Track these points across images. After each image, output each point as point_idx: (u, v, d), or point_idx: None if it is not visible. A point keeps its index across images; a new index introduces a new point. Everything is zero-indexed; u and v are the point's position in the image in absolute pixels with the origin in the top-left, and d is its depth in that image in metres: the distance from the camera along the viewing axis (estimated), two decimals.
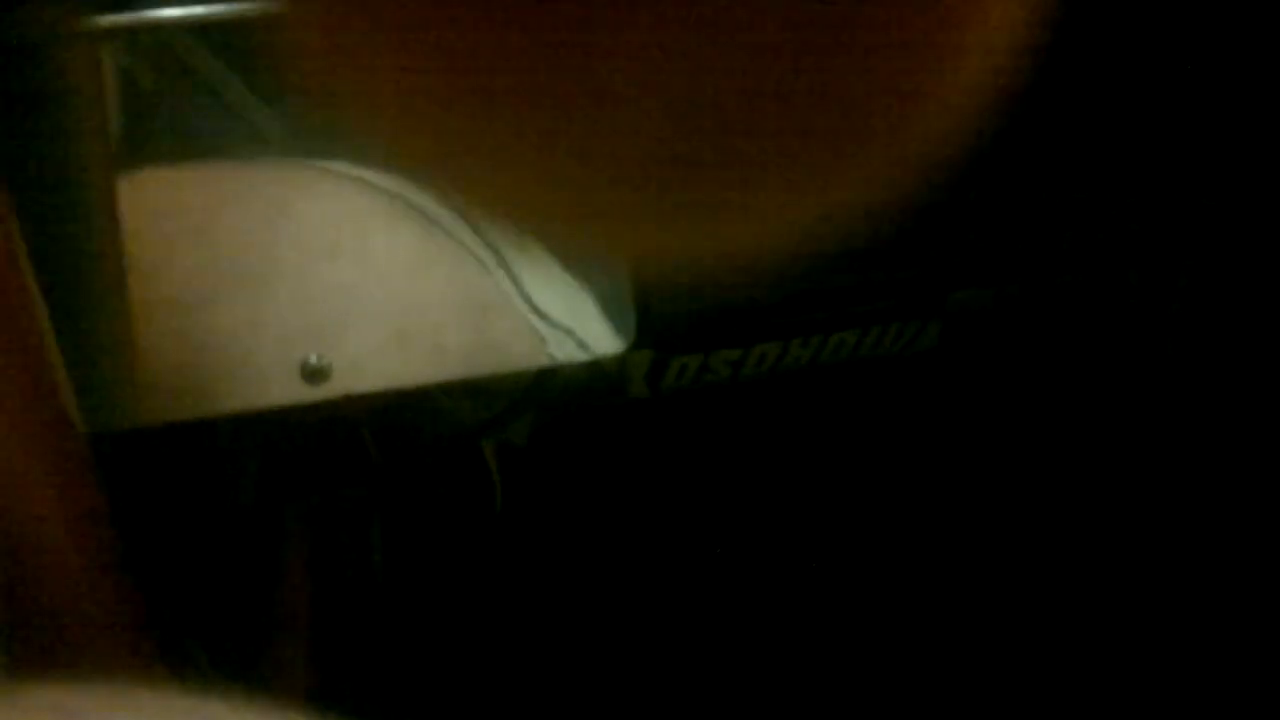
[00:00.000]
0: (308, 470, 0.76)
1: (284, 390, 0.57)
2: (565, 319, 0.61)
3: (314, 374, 0.57)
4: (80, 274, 0.57)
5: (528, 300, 0.61)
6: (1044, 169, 0.73)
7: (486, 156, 0.18)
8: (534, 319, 0.61)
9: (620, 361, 0.64)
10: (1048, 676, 0.96)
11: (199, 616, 0.70)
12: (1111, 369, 0.94)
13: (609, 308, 0.62)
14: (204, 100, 0.58)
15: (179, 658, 0.61)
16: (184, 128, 0.58)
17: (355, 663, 0.78)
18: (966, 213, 0.73)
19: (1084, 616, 0.97)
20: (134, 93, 0.57)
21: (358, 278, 0.59)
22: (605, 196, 0.18)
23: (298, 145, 0.59)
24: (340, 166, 0.59)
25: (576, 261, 0.61)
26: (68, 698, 0.36)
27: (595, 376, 0.68)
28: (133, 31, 0.54)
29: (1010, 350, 0.93)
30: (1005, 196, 0.73)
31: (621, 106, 0.17)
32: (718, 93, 0.17)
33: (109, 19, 0.54)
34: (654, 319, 0.62)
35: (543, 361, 0.61)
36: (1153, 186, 0.75)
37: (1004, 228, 0.74)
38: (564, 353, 0.61)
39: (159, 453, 0.67)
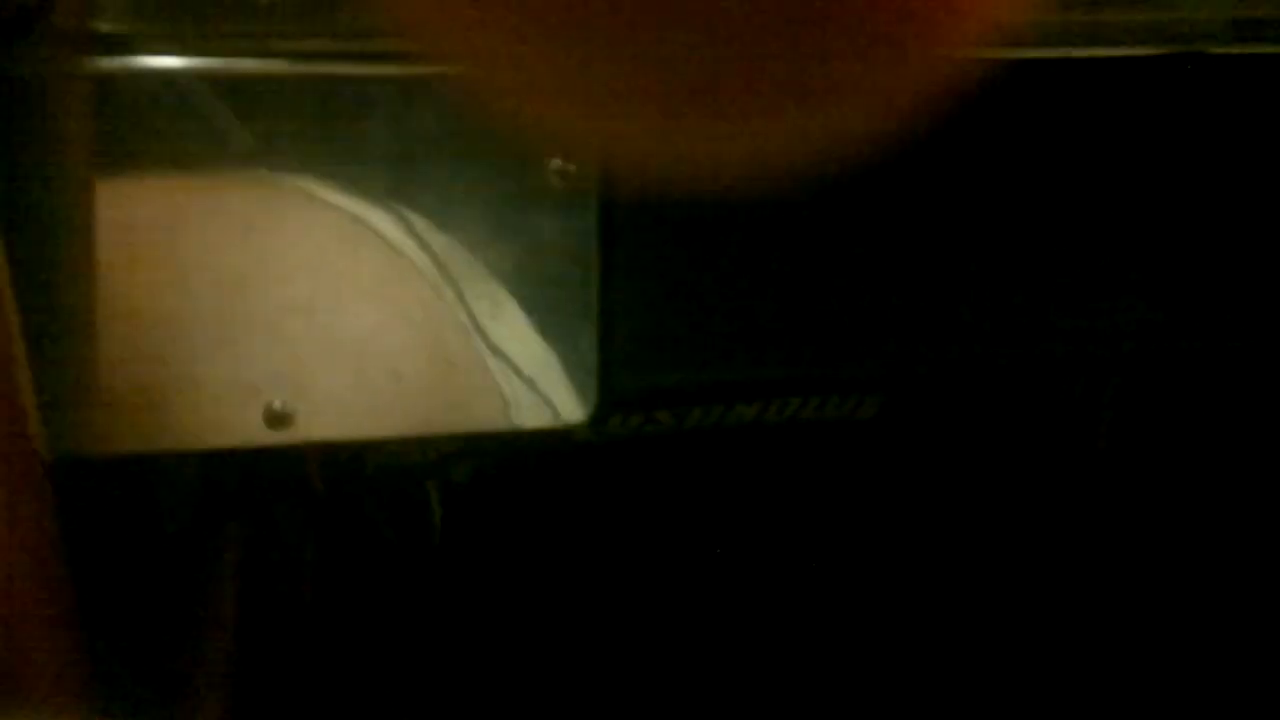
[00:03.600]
0: (247, 493, 0.76)
1: (246, 431, 0.57)
2: (525, 373, 0.62)
3: (277, 419, 0.57)
4: (53, 294, 0.57)
5: (493, 355, 0.62)
6: (982, 267, 0.75)
7: (503, 32, 0.18)
8: (497, 377, 0.62)
9: (575, 427, 0.65)
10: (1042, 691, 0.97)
11: (129, 637, 0.70)
12: (1042, 455, 0.96)
13: (571, 375, 0.63)
14: (183, 122, 0.58)
15: (110, 679, 0.61)
16: (159, 150, 0.58)
17: (281, 690, 0.78)
18: (910, 304, 0.75)
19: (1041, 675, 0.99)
20: (109, 112, 0.57)
21: (323, 316, 0.60)
22: (603, 88, 0.19)
23: (271, 163, 0.59)
24: (312, 187, 0.60)
25: (544, 318, 0.62)
26: None
27: (546, 432, 0.68)
28: (126, 76, 0.55)
29: (948, 424, 0.94)
30: (946, 290, 0.75)
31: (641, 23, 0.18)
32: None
33: (106, 63, 0.54)
34: (616, 392, 0.63)
35: (502, 425, 0.61)
36: (1089, 289, 0.77)
37: (946, 318, 0.76)
38: (523, 417, 0.62)
39: (108, 477, 0.67)
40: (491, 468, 0.85)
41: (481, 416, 0.61)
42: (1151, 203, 0.76)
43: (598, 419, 0.63)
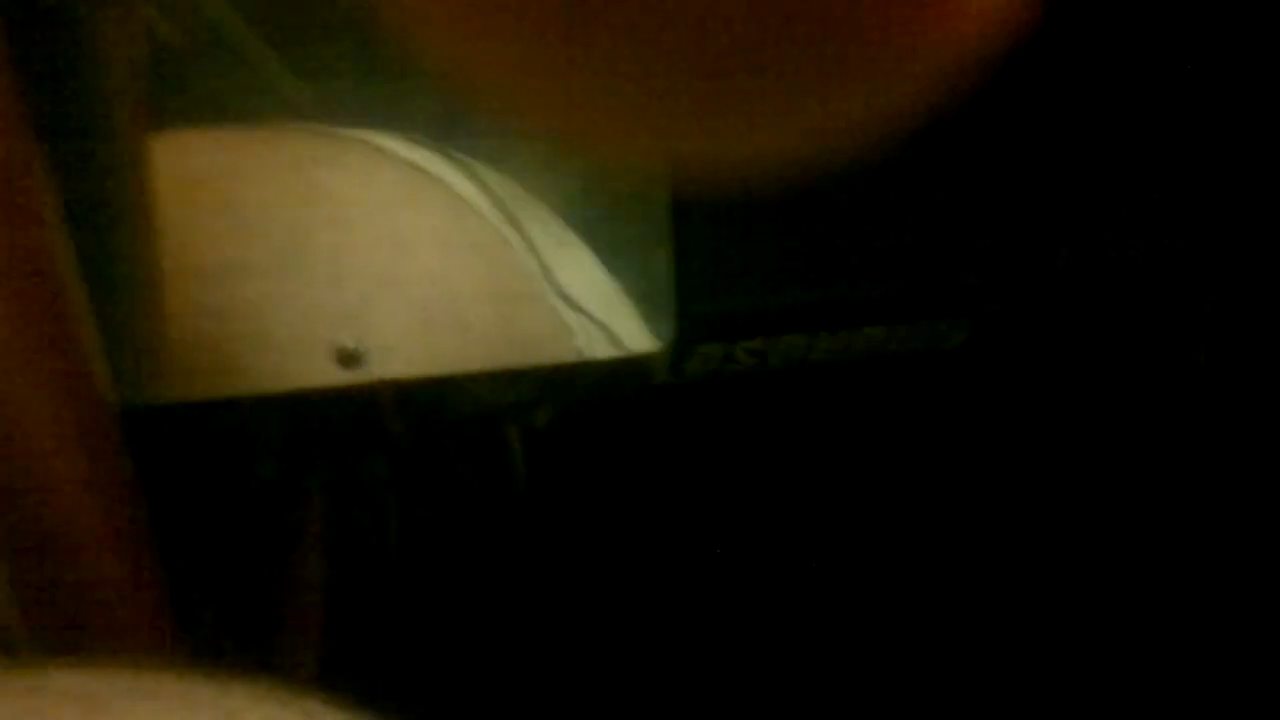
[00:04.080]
0: (329, 445, 0.76)
1: (317, 372, 0.57)
2: (596, 311, 0.61)
3: (348, 358, 0.57)
4: (112, 242, 0.57)
5: (559, 291, 0.61)
6: (1072, 179, 0.73)
7: (533, 58, 0.18)
8: (564, 310, 0.61)
9: (648, 356, 0.63)
10: (1050, 676, 0.96)
11: (216, 594, 0.71)
12: (1141, 377, 0.94)
13: (641, 302, 0.62)
14: (233, 68, 0.57)
15: (197, 636, 0.61)
16: (212, 94, 0.57)
17: (371, 643, 0.78)
18: (996, 219, 0.73)
19: (1098, 620, 0.97)
20: (163, 59, 0.56)
21: (390, 258, 0.59)
22: (642, 100, 0.19)
23: (327, 115, 0.59)
24: (370, 138, 0.59)
25: (612, 248, 0.61)
26: (91, 685, 0.36)
27: (620, 365, 0.67)
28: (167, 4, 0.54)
29: (1038, 353, 0.92)
30: (1033, 205, 0.73)
31: (655, 13, 0.17)
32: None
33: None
34: (692, 318, 0.62)
35: (572, 356, 0.60)
36: (1185, 199, 0.74)
37: (1033, 235, 0.74)
38: (594, 347, 0.61)
39: (186, 427, 0.67)
40: (573, 413, 0.85)
41: (554, 350, 0.60)
42: (1246, 107, 0.73)
43: (676, 347, 0.61)
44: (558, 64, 0.18)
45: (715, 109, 0.18)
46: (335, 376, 0.57)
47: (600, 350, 0.61)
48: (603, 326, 0.61)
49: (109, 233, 0.57)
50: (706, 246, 0.62)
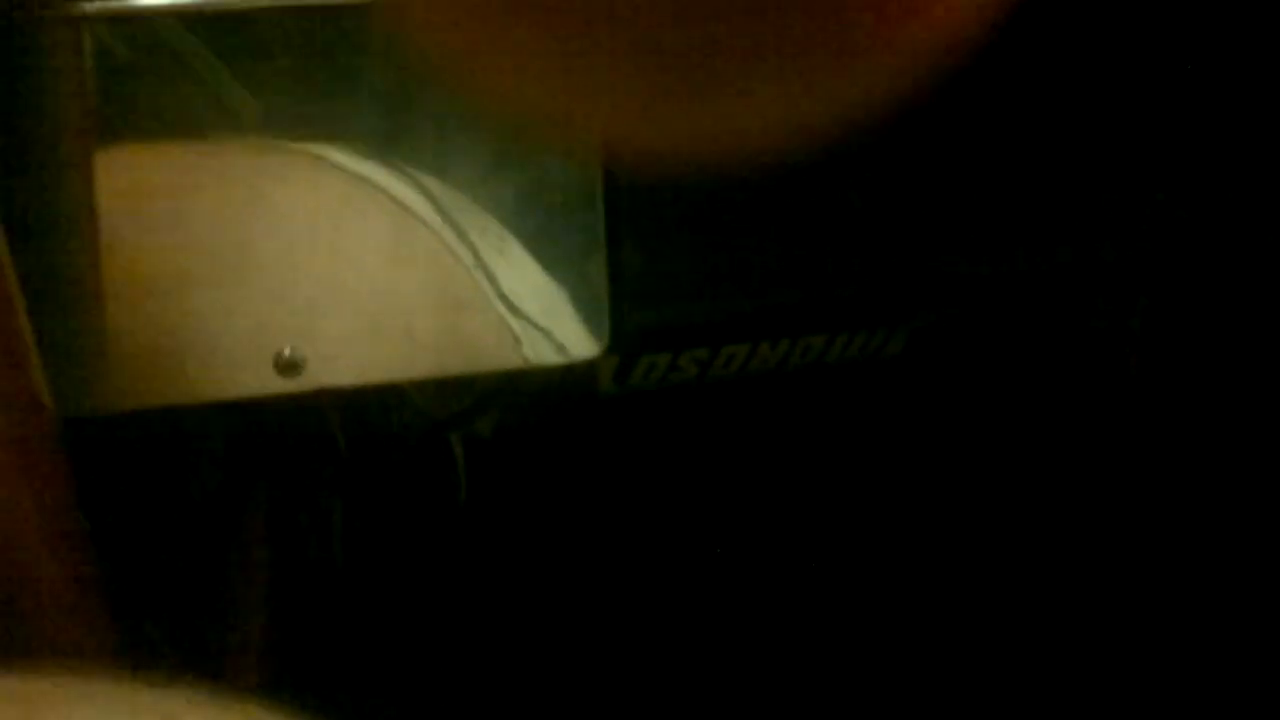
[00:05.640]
0: (273, 455, 0.76)
1: (257, 381, 0.57)
2: (539, 318, 0.61)
3: (288, 366, 0.57)
4: (54, 254, 0.57)
5: (502, 298, 0.61)
6: (1007, 187, 0.74)
7: (506, 44, 0.18)
8: (508, 317, 0.61)
9: (590, 363, 0.64)
10: (1045, 679, 0.97)
11: (158, 601, 0.70)
12: (1074, 382, 0.95)
13: (582, 308, 0.62)
14: (180, 81, 0.58)
15: (137, 642, 0.61)
16: (158, 108, 0.58)
17: (313, 651, 0.78)
18: (935, 229, 0.74)
19: (1078, 617, 0.98)
20: (110, 70, 0.56)
21: (332, 267, 0.59)
22: (601, 79, 0.19)
23: (275, 129, 0.59)
24: (318, 151, 0.59)
25: (552, 255, 0.62)
26: (25, 688, 0.36)
27: (565, 374, 0.68)
28: (118, 18, 0.54)
29: (976, 359, 0.93)
30: (972, 214, 0.74)
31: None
32: None
33: (94, 5, 0.54)
34: (628, 323, 0.62)
35: (515, 362, 0.61)
36: (1116, 204, 0.75)
37: (971, 244, 0.75)
38: (537, 354, 0.62)
39: (126, 437, 0.67)
40: (516, 422, 0.85)
41: (494, 356, 0.60)
42: (1174, 103, 0.74)
43: (617, 355, 0.62)
44: (516, 42, 0.18)
45: (666, 94, 0.19)
46: (275, 385, 0.57)
47: (544, 356, 0.61)
48: (546, 333, 0.61)
49: (51, 244, 0.57)
50: (642, 254, 0.63)
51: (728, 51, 0.18)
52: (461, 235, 0.60)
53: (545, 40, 0.18)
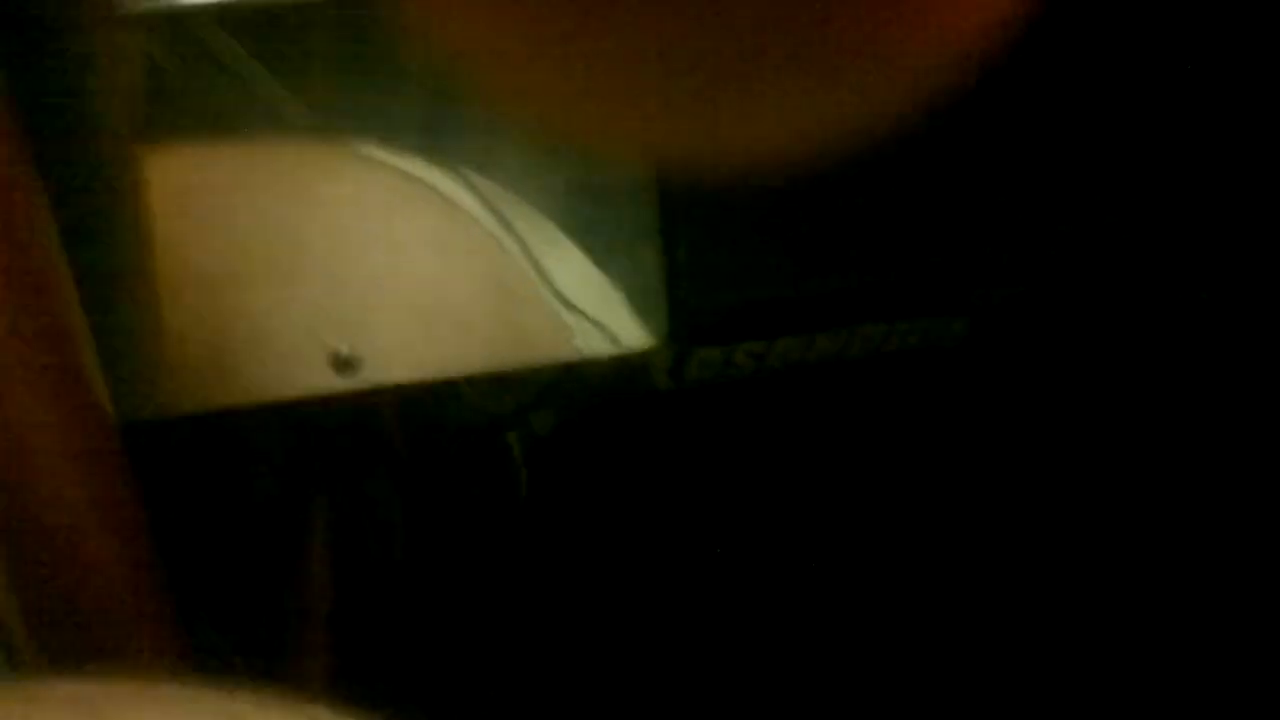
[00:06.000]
0: (332, 459, 0.76)
1: (314, 380, 0.57)
2: (592, 311, 0.61)
3: (344, 364, 0.57)
4: (110, 259, 0.57)
5: (554, 291, 0.61)
6: (1074, 170, 0.73)
7: (537, 59, 0.18)
8: (561, 310, 0.61)
9: (645, 355, 0.63)
10: (1050, 676, 0.96)
11: (223, 606, 0.71)
12: (1135, 370, 0.94)
13: (636, 300, 0.62)
14: (225, 83, 0.58)
15: (203, 648, 0.61)
16: (207, 111, 0.58)
17: (377, 652, 0.78)
18: (994, 210, 0.73)
19: (1097, 618, 0.97)
20: (158, 76, 0.57)
21: (384, 265, 0.59)
22: (636, 95, 0.19)
23: (322, 128, 0.59)
24: (365, 149, 0.59)
25: (604, 246, 0.61)
26: (92, 691, 0.36)
27: (620, 369, 0.68)
28: (161, 18, 0.54)
29: (1037, 348, 0.92)
30: (1035, 195, 0.73)
31: (650, 10, 0.17)
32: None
33: (140, 5, 0.54)
34: (684, 312, 0.62)
35: (569, 355, 0.61)
36: (1180, 193, 0.74)
37: (1034, 226, 0.74)
38: (590, 346, 0.61)
39: (187, 441, 0.67)
40: (575, 420, 0.85)
41: (548, 349, 0.60)
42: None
43: (673, 345, 0.61)
44: (554, 54, 0.18)
45: (709, 100, 0.18)
46: (331, 384, 0.57)
47: (598, 348, 0.61)
48: (599, 325, 0.61)
49: (106, 250, 0.57)
50: (696, 242, 0.62)
51: (767, 54, 0.18)
52: (511, 228, 0.60)
53: (578, 46, 0.18)
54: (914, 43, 0.18)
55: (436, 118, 0.59)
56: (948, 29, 0.18)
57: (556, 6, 0.18)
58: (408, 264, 0.59)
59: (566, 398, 0.75)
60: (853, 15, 0.18)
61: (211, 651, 0.66)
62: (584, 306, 0.61)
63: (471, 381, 0.70)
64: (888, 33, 0.18)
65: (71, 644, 0.55)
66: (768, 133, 0.20)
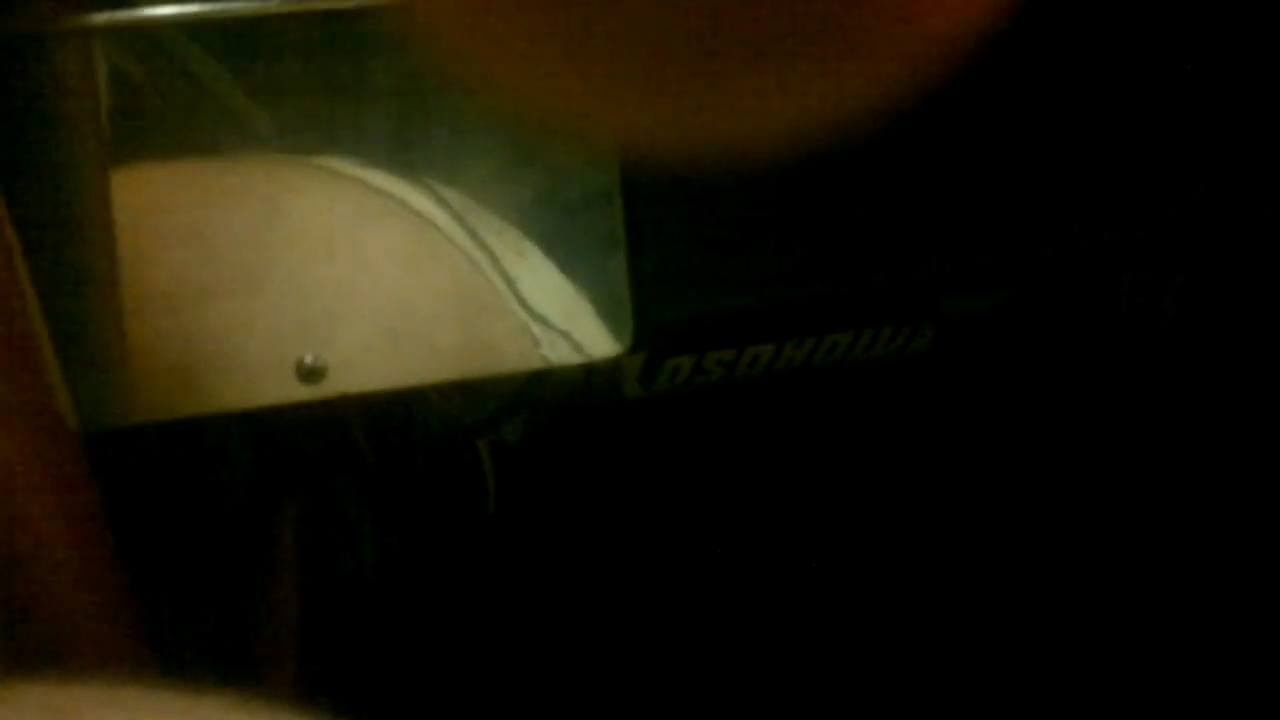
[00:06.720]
0: (300, 468, 0.76)
1: (279, 389, 0.57)
2: (559, 320, 0.61)
3: (309, 373, 0.57)
4: (73, 270, 0.57)
5: (521, 301, 0.61)
6: (1036, 172, 0.73)
7: (516, 40, 0.19)
8: (528, 320, 0.61)
9: (614, 363, 0.64)
10: (1046, 677, 0.96)
11: (191, 614, 0.70)
12: (1107, 370, 0.94)
13: (603, 309, 0.62)
14: (195, 97, 0.58)
15: (171, 655, 0.61)
16: (174, 125, 0.58)
17: (345, 660, 0.78)
18: (960, 217, 0.73)
19: (1081, 617, 0.97)
20: (124, 89, 0.57)
21: (351, 275, 0.59)
22: (607, 77, 0.19)
23: (289, 142, 0.59)
24: (332, 163, 0.59)
25: (570, 256, 0.62)
26: (60, 697, 0.36)
27: (589, 377, 0.68)
28: (126, 30, 0.54)
29: (1005, 353, 0.93)
30: (998, 201, 0.73)
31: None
32: None
33: (103, 17, 0.54)
34: (650, 321, 0.62)
35: (536, 363, 0.61)
36: (1146, 186, 0.75)
37: (998, 233, 0.74)
38: (558, 354, 0.61)
39: (152, 451, 0.67)
40: (543, 429, 0.85)
41: (515, 358, 0.60)
42: (1208, 83, 0.73)
43: (635, 350, 0.62)
44: (531, 40, 0.18)
45: (683, 89, 0.19)
46: (297, 392, 0.57)
47: (565, 357, 0.61)
48: (566, 334, 0.61)
49: (71, 261, 0.57)
50: (662, 251, 0.63)
51: (742, 45, 0.18)
52: (478, 238, 0.60)
53: (558, 36, 0.18)
54: (886, 37, 0.19)
55: (403, 130, 0.59)
56: (918, 26, 0.19)
57: None
58: (374, 274, 0.59)
59: (536, 406, 0.76)
60: (825, 8, 0.18)
61: (178, 657, 0.66)
62: (551, 316, 0.61)
63: (440, 390, 0.70)
64: (860, 26, 0.18)
65: (35, 653, 0.55)
66: (741, 124, 0.20)
